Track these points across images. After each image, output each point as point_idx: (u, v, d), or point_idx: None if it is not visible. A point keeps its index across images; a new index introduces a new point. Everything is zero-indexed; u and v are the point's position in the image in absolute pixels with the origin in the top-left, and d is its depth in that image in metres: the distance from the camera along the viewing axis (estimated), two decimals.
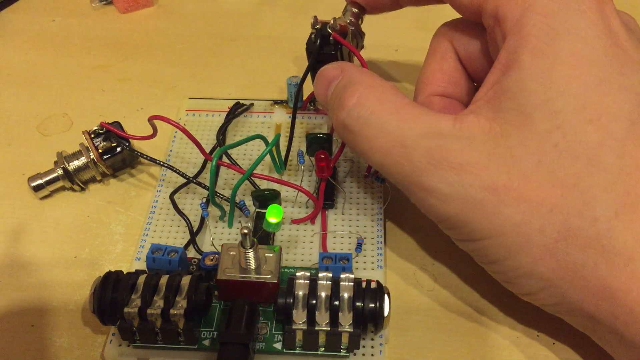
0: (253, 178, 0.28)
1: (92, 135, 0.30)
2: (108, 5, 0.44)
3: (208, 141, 0.32)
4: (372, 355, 0.23)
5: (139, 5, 0.43)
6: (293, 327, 0.22)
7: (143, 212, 0.29)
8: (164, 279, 0.23)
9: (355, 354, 0.23)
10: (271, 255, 0.24)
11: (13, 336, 0.25)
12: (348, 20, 0.31)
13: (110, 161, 0.30)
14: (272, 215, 0.24)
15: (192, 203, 0.29)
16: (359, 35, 0.32)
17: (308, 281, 0.23)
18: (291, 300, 0.23)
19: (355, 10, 0.32)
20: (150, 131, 0.28)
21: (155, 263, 0.25)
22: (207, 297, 0.24)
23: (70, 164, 0.30)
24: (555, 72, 0.20)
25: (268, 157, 0.29)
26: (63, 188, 0.31)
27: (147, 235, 0.28)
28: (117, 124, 0.30)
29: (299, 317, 0.22)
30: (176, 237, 0.28)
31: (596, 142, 0.20)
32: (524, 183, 0.20)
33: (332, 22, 0.28)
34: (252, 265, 0.24)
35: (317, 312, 0.22)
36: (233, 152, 0.31)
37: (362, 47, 0.32)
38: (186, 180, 0.29)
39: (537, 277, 0.21)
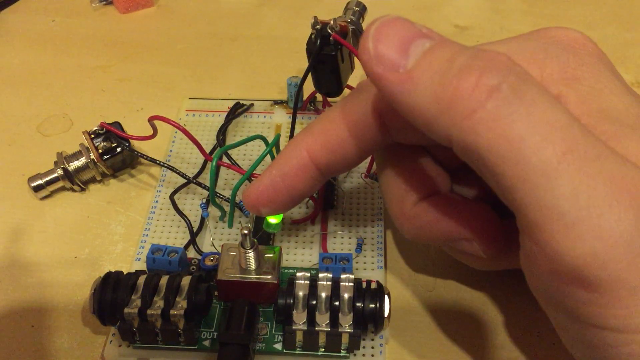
0: (253, 178, 0.28)
1: (92, 136, 0.30)
2: (108, 5, 0.44)
3: (208, 141, 0.32)
4: (372, 355, 0.23)
5: (139, 5, 0.43)
6: (293, 327, 0.22)
7: (143, 212, 0.29)
8: (164, 280, 0.23)
9: (355, 355, 0.23)
10: (271, 255, 0.24)
11: (13, 336, 0.25)
12: (349, 19, 0.31)
13: (110, 161, 0.30)
14: (272, 216, 0.24)
15: (192, 203, 0.29)
16: (360, 34, 0.32)
17: (308, 282, 0.23)
18: (291, 301, 0.23)
19: (356, 8, 0.32)
20: (150, 131, 0.28)
21: (155, 263, 0.25)
22: (207, 298, 0.24)
23: (70, 164, 0.30)
24: None
25: (268, 158, 0.29)
26: (63, 188, 0.31)
27: (147, 235, 0.28)
28: (117, 124, 0.30)
29: (299, 318, 0.22)
30: (176, 237, 0.28)
31: None
32: None
33: (332, 22, 0.28)
34: (252, 265, 0.24)
35: (317, 312, 0.22)
36: (233, 153, 0.31)
37: None
38: (186, 181, 0.29)
39: None
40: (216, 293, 0.25)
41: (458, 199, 0.22)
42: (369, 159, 0.30)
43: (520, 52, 0.20)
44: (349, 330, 0.22)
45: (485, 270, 0.26)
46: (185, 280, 0.23)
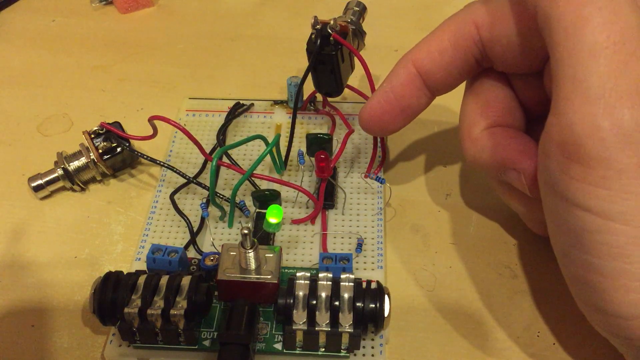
0: (253, 178, 0.28)
1: (92, 136, 0.30)
2: (108, 5, 0.44)
3: (208, 141, 0.32)
4: (373, 355, 0.23)
5: (139, 5, 0.43)
6: (293, 327, 0.22)
7: (143, 212, 0.29)
8: (164, 279, 0.23)
9: (355, 354, 0.23)
10: (271, 255, 0.24)
11: (13, 336, 0.25)
12: (349, 19, 0.31)
13: (110, 161, 0.30)
14: (272, 216, 0.24)
15: (192, 203, 0.29)
16: (360, 34, 0.32)
17: (308, 281, 0.23)
18: (291, 301, 0.23)
19: (356, 8, 0.32)
20: (150, 131, 0.28)
21: (156, 263, 0.25)
22: (208, 298, 0.24)
23: (71, 164, 0.30)
24: None
25: (268, 158, 0.29)
26: (63, 188, 0.31)
27: (147, 235, 0.28)
28: (117, 124, 0.30)
29: (299, 318, 0.22)
30: (176, 237, 0.28)
31: None
32: None
33: (332, 22, 0.28)
34: (253, 265, 0.24)
35: (317, 312, 0.22)
36: (233, 153, 0.31)
37: (364, 46, 0.32)
38: (186, 181, 0.29)
39: None
40: (216, 293, 0.25)
41: (521, 135, 0.24)
42: (369, 160, 0.30)
43: None
44: (349, 330, 0.22)
45: (525, 220, 0.27)
46: (185, 280, 0.23)
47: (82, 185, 0.30)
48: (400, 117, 0.26)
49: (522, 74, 0.25)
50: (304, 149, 0.30)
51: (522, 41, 0.22)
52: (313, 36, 0.28)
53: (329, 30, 0.28)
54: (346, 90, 0.31)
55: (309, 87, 0.30)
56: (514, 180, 0.24)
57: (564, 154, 0.19)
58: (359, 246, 0.27)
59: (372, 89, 0.28)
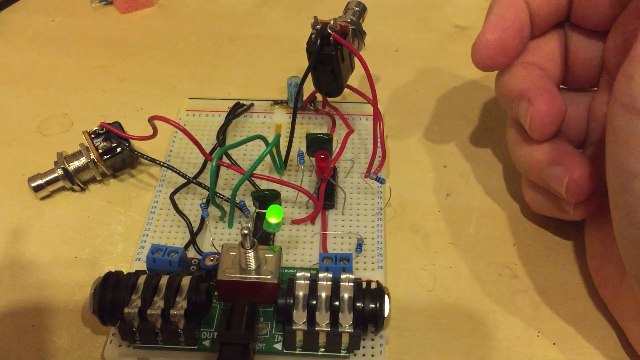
0: (253, 178, 0.28)
1: (92, 136, 0.30)
2: (108, 5, 0.44)
3: (208, 141, 0.32)
4: (373, 355, 0.23)
5: (139, 5, 0.43)
6: (293, 327, 0.22)
7: (143, 212, 0.29)
8: (164, 280, 0.23)
9: (355, 355, 0.23)
10: (271, 255, 0.24)
11: (13, 336, 0.25)
12: (349, 19, 0.31)
13: (110, 161, 0.30)
14: (272, 216, 0.24)
15: (192, 203, 0.29)
16: (360, 34, 0.32)
17: (308, 281, 0.23)
18: (291, 301, 0.23)
19: (356, 8, 0.32)
20: (150, 131, 0.28)
21: (156, 263, 0.25)
22: (207, 298, 0.24)
23: (70, 164, 0.30)
24: None
25: (268, 158, 0.29)
26: (63, 188, 0.31)
27: (147, 235, 0.28)
28: (117, 124, 0.30)
29: (299, 318, 0.22)
30: (176, 237, 0.28)
31: None
32: None
33: (332, 22, 0.28)
34: (252, 265, 0.24)
35: (317, 312, 0.22)
36: (233, 153, 0.31)
37: (364, 46, 0.32)
38: (186, 181, 0.29)
39: None
40: (216, 293, 0.25)
41: (551, 82, 0.25)
42: (369, 160, 0.30)
43: None
44: (349, 330, 0.22)
45: (524, 187, 0.28)
46: (185, 280, 0.23)
47: (82, 185, 0.30)
48: (512, 43, 0.26)
49: (588, 32, 0.26)
50: (304, 149, 0.30)
51: None
52: (313, 36, 0.28)
53: (329, 31, 0.27)
54: (346, 90, 0.31)
55: (309, 87, 0.30)
56: (522, 111, 0.25)
57: (627, 111, 0.19)
58: (359, 246, 0.27)
59: (372, 89, 0.28)
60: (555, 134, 0.25)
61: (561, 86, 0.28)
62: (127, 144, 0.30)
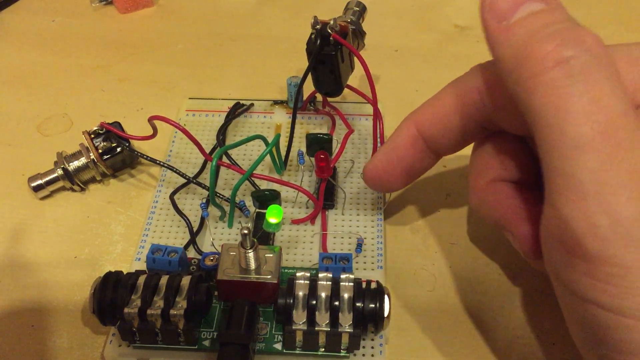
0: (253, 178, 0.28)
1: (92, 136, 0.30)
2: (108, 5, 0.44)
3: (208, 141, 0.32)
4: (372, 355, 0.23)
5: (139, 5, 0.43)
6: (293, 327, 0.22)
7: (143, 212, 0.29)
8: (164, 279, 0.23)
9: (355, 355, 0.23)
10: (271, 255, 0.24)
11: (13, 336, 0.25)
12: (349, 19, 0.31)
13: (110, 161, 0.30)
14: (272, 216, 0.24)
15: (192, 203, 0.29)
16: (360, 34, 0.32)
17: (308, 281, 0.23)
18: (291, 301, 0.23)
19: (356, 8, 0.32)
20: (150, 131, 0.28)
21: (155, 263, 0.25)
22: (207, 298, 0.24)
23: (70, 164, 0.30)
24: None
25: (268, 158, 0.29)
26: (63, 188, 0.31)
27: (147, 235, 0.28)
28: (117, 124, 0.30)
29: (299, 318, 0.22)
30: (176, 237, 0.28)
31: None
32: None
33: (332, 22, 0.28)
34: (252, 265, 0.24)
35: (317, 312, 0.22)
36: (233, 153, 0.31)
37: (364, 46, 0.32)
38: (186, 181, 0.29)
39: None
40: (216, 293, 0.25)
41: (523, 196, 0.23)
42: (369, 160, 0.30)
43: (627, 54, 0.20)
44: (349, 330, 0.22)
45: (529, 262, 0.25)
46: (185, 280, 0.23)
47: (82, 185, 0.30)
48: (402, 178, 0.25)
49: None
50: (303, 149, 0.30)
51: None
52: (313, 36, 0.28)
53: (329, 30, 0.27)
54: (346, 90, 0.31)
55: (309, 87, 0.30)
56: (510, 241, 0.23)
57: (566, 250, 0.18)
58: (359, 246, 0.27)
59: (372, 89, 0.28)
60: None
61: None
62: (127, 144, 0.30)
